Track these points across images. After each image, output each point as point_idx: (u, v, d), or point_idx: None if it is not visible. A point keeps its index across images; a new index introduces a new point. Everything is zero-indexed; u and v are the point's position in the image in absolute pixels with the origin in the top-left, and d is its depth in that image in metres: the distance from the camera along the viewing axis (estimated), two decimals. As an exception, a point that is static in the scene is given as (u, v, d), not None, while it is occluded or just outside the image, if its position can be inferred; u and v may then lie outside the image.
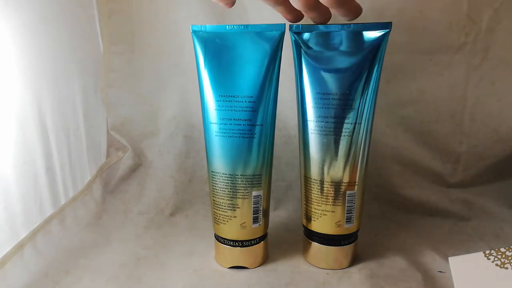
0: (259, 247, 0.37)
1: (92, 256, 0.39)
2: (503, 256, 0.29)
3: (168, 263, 0.38)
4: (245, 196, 0.35)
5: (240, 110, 0.33)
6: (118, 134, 0.52)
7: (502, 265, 0.29)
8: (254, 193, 0.35)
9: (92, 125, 0.51)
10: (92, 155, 0.51)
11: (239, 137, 0.34)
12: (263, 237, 0.37)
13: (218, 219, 0.36)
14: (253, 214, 0.36)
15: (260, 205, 0.36)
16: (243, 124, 0.34)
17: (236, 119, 0.34)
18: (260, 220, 0.36)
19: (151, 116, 0.52)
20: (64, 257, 0.39)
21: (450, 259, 0.31)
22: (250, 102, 0.33)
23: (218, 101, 0.34)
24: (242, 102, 0.33)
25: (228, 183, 0.35)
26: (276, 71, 0.34)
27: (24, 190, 0.39)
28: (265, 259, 0.38)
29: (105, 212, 0.48)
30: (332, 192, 0.35)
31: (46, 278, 0.35)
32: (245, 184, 0.35)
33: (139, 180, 0.51)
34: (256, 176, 0.35)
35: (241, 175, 0.34)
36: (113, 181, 0.51)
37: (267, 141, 0.35)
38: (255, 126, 0.34)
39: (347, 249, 0.37)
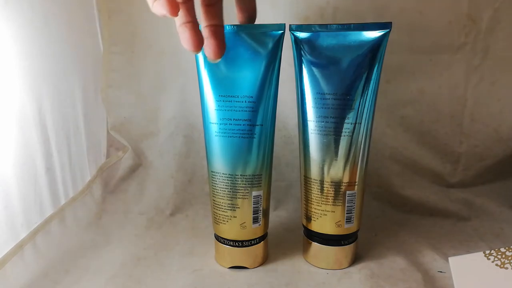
0: (259, 247, 0.37)
1: (92, 256, 0.39)
2: (503, 256, 0.29)
3: (168, 263, 0.38)
4: (245, 196, 0.35)
5: (240, 110, 0.33)
6: (118, 134, 0.52)
7: (502, 265, 0.29)
8: (254, 193, 0.35)
9: (92, 125, 0.51)
10: (92, 155, 0.51)
11: (239, 137, 0.34)
12: (263, 237, 0.37)
13: (218, 219, 0.36)
14: (253, 214, 0.36)
15: (260, 205, 0.36)
16: (243, 124, 0.34)
17: (236, 119, 0.34)
18: (260, 220, 0.36)
19: (151, 116, 0.52)
20: (64, 257, 0.39)
21: (450, 259, 0.31)
22: (250, 102, 0.33)
23: (218, 101, 0.34)
24: (242, 102, 0.33)
25: (228, 183, 0.35)
26: (276, 71, 0.34)
27: (24, 190, 0.39)
28: (265, 259, 0.38)
29: (105, 212, 0.48)
30: (332, 192, 0.35)
31: (46, 278, 0.35)
32: (245, 184, 0.35)
33: (139, 180, 0.51)
34: (256, 176, 0.35)
35: (241, 175, 0.34)
36: (113, 181, 0.51)
37: (267, 141, 0.35)
38: (255, 126, 0.34)
39: (347, 249, 0.37)
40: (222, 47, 0.29)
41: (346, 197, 0.35)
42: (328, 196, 0.35)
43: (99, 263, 0.38)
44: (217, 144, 0.34)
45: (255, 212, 0.36)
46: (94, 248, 0.41)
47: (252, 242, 0.37)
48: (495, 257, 0.29)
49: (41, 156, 0.41)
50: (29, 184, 0.40)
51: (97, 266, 0.38)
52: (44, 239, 0.39)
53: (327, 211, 0.36)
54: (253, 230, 0.36)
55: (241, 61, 0.33)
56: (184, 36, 0.28)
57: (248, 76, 0.33)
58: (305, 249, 0.39)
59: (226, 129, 0.34)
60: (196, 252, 0.40)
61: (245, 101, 0.33)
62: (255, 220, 0.36)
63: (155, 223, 0.47)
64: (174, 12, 0.26)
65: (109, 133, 0.52)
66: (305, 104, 0.35)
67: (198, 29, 0.28)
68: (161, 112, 0.52)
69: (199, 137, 0.51)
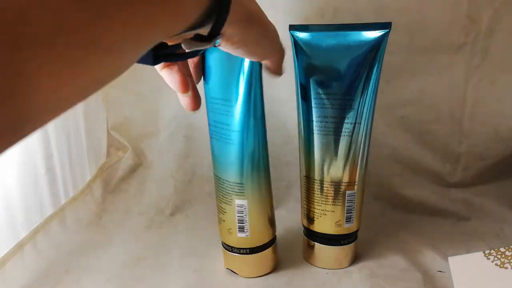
0: (249, 258, 0.35)
1: (92, 256, 0.39)
2: (503, 256, 0.29)
3: (168, 263, 0.38)
4: (229, 202, 0.34)
5: (221, 113, 0.32)
6: (118, 134, 0.52)
7: (502, 265, 0.29)
8: (238, 201, 0.33)
9: (92, 125, 0.51)
10: (92, 155, 0.51)
11: (221, 140, 0.32)
12: (254, 250, 0.35)
13: (217, 219, 0.36)
14: (238, 222, 0.34)
15: (246, 215, 0.34)
16: (223, 128, 0.32)
17: (219, 122, 0.32)
18: (247, 231, 0.34)
19: (151, 116, 0.52)
20: (64, 257, 0.39)
21: (450, 259, 0.31)
22: (228, 106, 0.31)
23: (210, 103, 0.33)
24: (222, 105, 0.31)
25: (218, 186, 0.34)
26: (257, 73, 0.30)
27: (24, 190, 0.39)
28: (260, 274, 0.36)
29: (105, 212, 0.48)
30: (332, 192, 0.35)
31: (46, 278, 0.35)
32: (228, 190, 0.33)
33: (139, 180, 0.51)
34: (238, 185, 0.33)
35: (225, 180, 0.33)
36: (113, 181, 0.51)
37: (248, 149, 0.31)
38: (232, 132, 0.31)
39: (347, 249, 0.37)
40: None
41: (346, 197, 0.35)
42: (328, 196, 0.35)
43: (99, 263, 0.38)
44: (211, 146, 0.34)
45: (240, 221, 0.34)
46: (94, 248, 0.41)
47: (241, 251, 0.35)
48: (495, 257, 0.29)
49: (41, 156, 0.41)
50: (30, 184, 0.40)
51: (97, 266, 0.38)
52: (44, 239, 0.39)
53: (327, 211, 0.36)
54: (237, 239, 0.35)
55: (223, 64, 0.31)
56: (185, 101, 0.29)
57: (227, 79, 0.31)
58: (305, 249, 0.39)
59: (214, 131, 0.33)
60: (196, 252, 0.40)
61: (225, 104, 0.31)
62: (241, 229, 0.34)
63: (155, 223, 0.47)
64: (185, 91, 0.28)
65: (109, 133, 0.52)
66: (305, 104, 0.35)
67: (196, 89, 0.29)
68: (161, 112, 0.52)
69: (199, 137, 0.51)
